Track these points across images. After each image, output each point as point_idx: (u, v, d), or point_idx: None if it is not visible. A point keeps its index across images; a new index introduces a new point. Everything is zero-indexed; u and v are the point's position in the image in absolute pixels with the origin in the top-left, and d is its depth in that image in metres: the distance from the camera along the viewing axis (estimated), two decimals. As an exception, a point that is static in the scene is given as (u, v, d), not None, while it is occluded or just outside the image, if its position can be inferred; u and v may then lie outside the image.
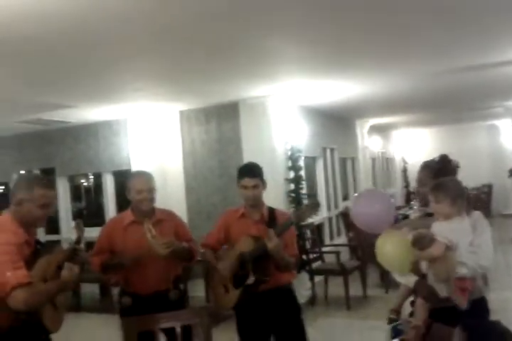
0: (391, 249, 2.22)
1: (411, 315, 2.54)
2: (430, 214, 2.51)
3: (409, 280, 2.41)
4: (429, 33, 4.27)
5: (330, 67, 5.20)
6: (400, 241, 2.26)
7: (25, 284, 2.24)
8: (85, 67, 4.46)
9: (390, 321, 2.46)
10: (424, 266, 2.28)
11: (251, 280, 2.99)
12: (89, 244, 7.53)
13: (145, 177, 3.26)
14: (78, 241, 2.70)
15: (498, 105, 9.72)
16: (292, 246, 3.16)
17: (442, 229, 2.27)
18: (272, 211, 3.22)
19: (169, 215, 3.40)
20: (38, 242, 2.69)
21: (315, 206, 2.94)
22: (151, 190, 3.20)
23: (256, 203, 3.18)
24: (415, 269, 2.30)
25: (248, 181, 3.11)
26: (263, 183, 3.19)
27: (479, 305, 2.33)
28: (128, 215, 3.29)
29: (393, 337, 2.06)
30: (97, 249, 3.27)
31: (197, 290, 6.54)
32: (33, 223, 2.52)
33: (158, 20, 3.35)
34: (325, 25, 3.73)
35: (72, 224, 8.29)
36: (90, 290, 6.93)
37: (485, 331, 1.49)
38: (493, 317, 1.70)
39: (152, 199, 3.22)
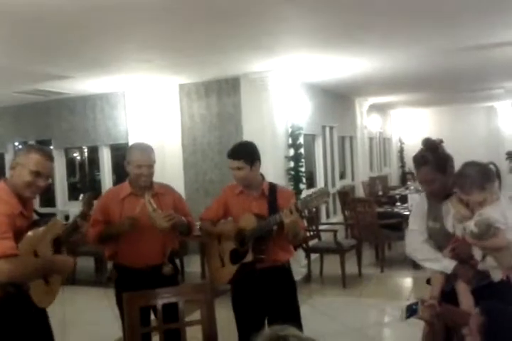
0: None
1: None
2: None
3: (448, 266, 2.35)
4: (436, 12, 4.21)
5: (336, 41, 5.10)
6: None
7: (9, 255, 2.16)
8: (86, 35, 4.34)
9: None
10: (478, 253, 2.25)
11: (249, 258, 2.96)
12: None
13: (146, 152, 3.15)
14: (82, 216, 2.61)
15: (499, 86, 9.65)
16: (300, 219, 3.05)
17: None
18: (273, 187, 3.13)
19: (167, 189, 3.34)
20: (36, 213, 2.63)
21: (323, 193, 2.75)
22: (150, 166, 3.13)
23: (246, 184, 3.09)
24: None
25: (231, 163, 3.03)
26: (252, 164, 3.03)
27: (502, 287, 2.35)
28: (125, 187, 3.21)
29: (408, 317, 2.04)
30: (94, 220, 3.13)
31: (193, 265, 6.55)
32: (23, 190, 2.40)
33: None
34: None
35: (77, 198, 8.25)
36: (85, 263, 6.92)
37: (505, 316, 1.47)
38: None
39: (151, 175, 3.16)
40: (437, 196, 2.50)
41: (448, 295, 2.34)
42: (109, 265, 6.53)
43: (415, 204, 2.78)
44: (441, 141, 2.53)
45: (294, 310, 3.13)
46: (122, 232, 3.09)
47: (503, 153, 11.88)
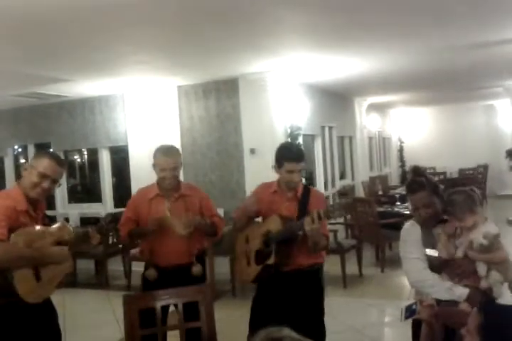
0: None
1: None
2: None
3: (462, 295, 2.29)
4: (433, 11, 4.21)
5: (333, 41, 5.10)
6: None
7: None
8: (83, 38, 4.34)
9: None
10: (482, 269, 2.26)
11: (271, 260, 2.98)
12: (85, 220, 7.41)
13: (170, 154, 3.21)
14: (98, 229, 2.76)
15: (498, 85, 9.65)
16: (325, 227, 3.05)
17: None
18: (307, 190, 3.15)
19: (194, 190, 3.40)
20: (47, 217, 2.75)
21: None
22: (174, 169, 3.18)
23: (297, 186, 3.12)
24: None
25: (295, 166, 3.03)
26: None
27: None
28: (154, 188, 3.30)
29: (407, 317, 2.05)
30: (124, 219, 3.32)
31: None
32: (28, 190, 2.54)
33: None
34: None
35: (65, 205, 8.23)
36: (85, 266, 6.92)
37: (500, 312, 1.47)
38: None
39: (175, 177, 3.23)
40: (430, 222, 2.53)
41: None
42: (110, 267, 6.56)
43: (405, 232, 2.70)
44: (425, 169, 2.68)
45: (315, 316, 3.10)
46: (148, 233, 3.20)
47: (502, 151, 11.84)
